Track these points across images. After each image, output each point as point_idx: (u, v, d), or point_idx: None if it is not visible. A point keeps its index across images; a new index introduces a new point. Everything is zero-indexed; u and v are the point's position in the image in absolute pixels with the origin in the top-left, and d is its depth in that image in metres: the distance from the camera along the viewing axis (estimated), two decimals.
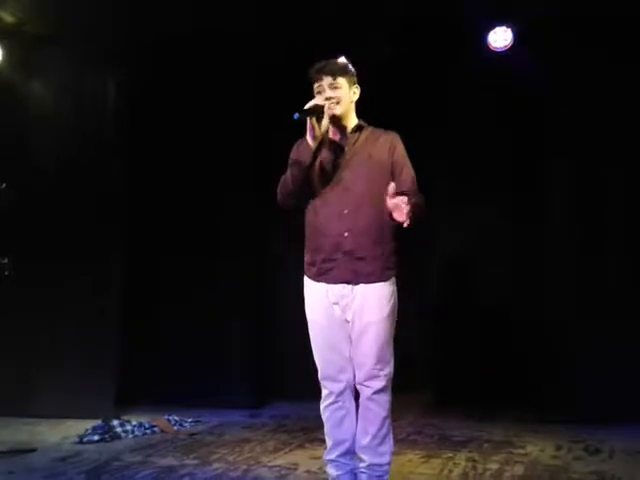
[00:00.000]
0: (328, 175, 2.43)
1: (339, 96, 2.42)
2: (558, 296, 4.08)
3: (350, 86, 2.47)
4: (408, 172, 2.47)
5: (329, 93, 2.42)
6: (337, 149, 2.46)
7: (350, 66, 2.50)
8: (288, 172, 2.44)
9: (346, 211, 2.39)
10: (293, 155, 2.47)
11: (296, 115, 2.32)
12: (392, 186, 2.22)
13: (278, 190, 2.47)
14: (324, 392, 2.48)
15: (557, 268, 4.10)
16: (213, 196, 4.58)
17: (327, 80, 2.42)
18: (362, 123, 2.51)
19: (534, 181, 4.29)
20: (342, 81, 2.44)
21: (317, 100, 2.39)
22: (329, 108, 2.39)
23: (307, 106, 2.36)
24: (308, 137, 2.38)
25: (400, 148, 2.48)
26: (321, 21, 4.04)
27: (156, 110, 4.56)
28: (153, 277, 4.66)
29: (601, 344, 3.88)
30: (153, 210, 4.68)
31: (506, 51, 4.17)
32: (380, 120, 2.54)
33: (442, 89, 4.49)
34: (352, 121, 2.50)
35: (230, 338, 4.52)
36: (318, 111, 2.36)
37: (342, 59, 2.53)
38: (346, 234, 2.38)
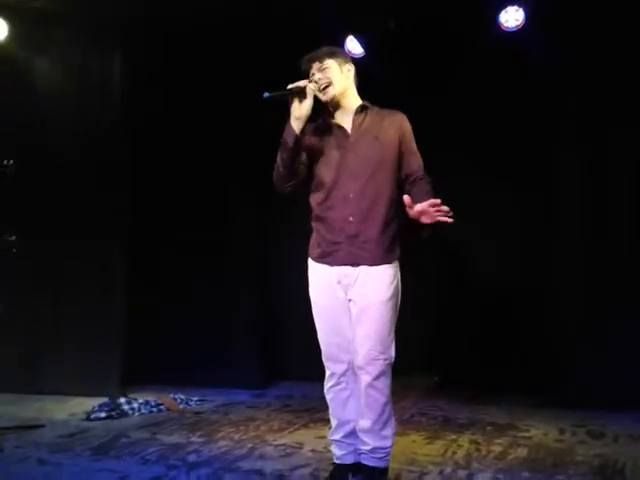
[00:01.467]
0: (332, 159, 2.41)
1: (329, 76, 2.41)
2: (562, 280, 4.06)
3: (341, 66, 2.45)
4: (416, 160, 2.46)
5: (318, 75, 2.41)
6: (340, 132, 2.44)
7: (338, 48, 2.50)
8: (278, 156, 2.42)
9: (351, 195, 2.38)
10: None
11: (266, 94, 2.32)
12: (407, 198, 2.24)
13: (273, 177, 2.46)
14: (327, 373, 2.49)
15: (562, 255, 4.07)
16: (217, 180, 4.56)
17: (316, 65, 2.43)
18: (366, 103, 2.49)
19: (544, 170, 4.24)
20: (330, 62, 2.43)
21: (297, 83, 2.37)
22: (322, 93, 2.39)
23: (289, 87, 2.35)
24: (291, 118, 2.36)
25: (408, 131, 2.46)
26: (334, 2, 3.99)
27: (162, 93, 4.52)
28: (158, 257, 4.67)
29: (604, 329, 3.87)
30: (156, 192, 4.66)
31: (518, 31, 4.11)
32: (387, 102, 2.52)
33: (452, 71, 4.42)
34: (354, 101, 2.48)
35: (236, 318, 4.54)
36: (298, 92, 2.34)
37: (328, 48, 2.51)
38: (351, 218, 2.38)
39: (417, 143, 2.49)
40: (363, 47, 4.32)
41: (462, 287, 4.66)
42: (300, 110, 2.35)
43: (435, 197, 2.29)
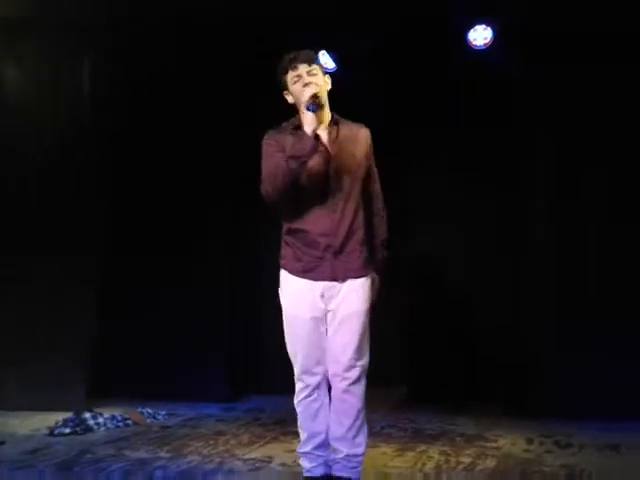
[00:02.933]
0: (311, 172, 2.37)
1: (320, 83, 2.37)
2: (531, 293, 4.14)
3: (323, 74, 2.43)
4: (374, 171, 2.52)
5: (308, 79, 2.36)
6: (318, 145, 2.39)
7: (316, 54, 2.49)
8: (284, 166, 2.29)
9: (335, 209, 2.38)
10: (291, 151, 2.31)
11: (311, 107, 2.25)
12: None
13: (267, 186, 2.33)
14: (299, 386, 2.47)
15: (533, 267, 4.15)
16: (191, 189, 4.53)
17: (303, 67, 2.36)
18: (337, 117, 2.48)
19: (516, 181, 4.33)
20: (317, 68, 2.40)
21: (312, 88, 2.30)
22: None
23: (308, 97, 2.28)
24: (308, 129, 2.28)
25: (371, 147, 2.50)
26: (304, 19, 4.02)
27: (133, 100, 4.49)
28: (128, 270, 4.60)
29: (571, 339, 3.94)
30: (129, 202, 4.62)
31: (486, 49, 4.21)
32: (360, 118, 2.54)
33: (422, 86, 4.49)
34: (328, 113, 2.46)
35: (205, 331, 4.49)
36: (319, 100, 2.30)
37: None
38: (332, 232, 2.37)
39: (388, 156, 2.53)
40: (335, 62, 4.37)
41: (430, 299, 4.71)
42: (319, 119, 2.31)
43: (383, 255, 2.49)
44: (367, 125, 2.52)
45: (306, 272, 2.41)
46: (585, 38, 3.90)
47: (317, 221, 2.38)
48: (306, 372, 2.45)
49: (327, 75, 2.46)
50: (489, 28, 4.19)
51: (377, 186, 2.55)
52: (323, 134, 2.35)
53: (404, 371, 4.77)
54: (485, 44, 4.21)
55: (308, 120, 2.29)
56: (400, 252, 4.60)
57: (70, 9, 4.00)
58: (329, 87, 2.45)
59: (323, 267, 2.38)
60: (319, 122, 2.32)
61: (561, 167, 4.07)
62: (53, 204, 4.19)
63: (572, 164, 4.04)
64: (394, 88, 4.45)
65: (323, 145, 2.37)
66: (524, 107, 4.18)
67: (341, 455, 2.41)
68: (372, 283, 2.47)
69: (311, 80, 2.35)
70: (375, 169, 2.54)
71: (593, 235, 4.01)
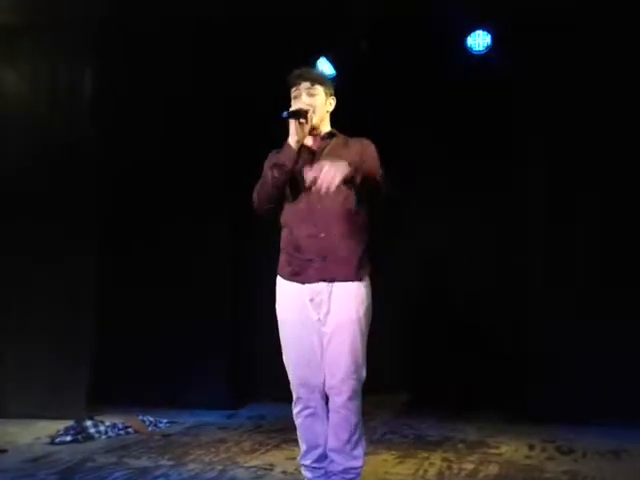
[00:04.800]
0: (300, 179, 2.41)
1: (314, 104, 2.43)
2: (533, 298, 4.12)
3: (327, 96, 2.48)
4: (373, 161, 2.43)
5: (305, 99, 2.43)
6: (307, 153, 2.46)
7: (328, 76, 2.51)
8: (268, 175, 2.41)
9: (320, 213, 2.39)
10: (273, 159, 2.44)
11: (284, 114, 2.35)
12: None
13: (254, 195, 2.45)
14: (295, 397, 2.46)
15: (529, 272, 4.14)
16: (189, 194, 4.53)
17: (305, 85, 2.44)
18: (334, 131, 2.52)
19: (513, 181, 4.34)
20: (319, 89, 2.45)
21: (301, 104, 2.39)
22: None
23: (292, 108, 2.38)
24: (291, 140, 2.38)
25: (371, 150, 2.47)
26: (299, 19, 4.04)
27: (134, 103, 4.49)
28: (127, 277, 4.59)
29: (573, 345, 3.93)
30: (126, 207, 4.60)
31: (485, 54, 4.24)
32: (357, 122, 2.55)
33: (420, 90, 4.51)
34: (325, 128, 2.51)
35: (207, 339, 4.48)
36: (302, 114, 2.37)
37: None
38: (322, 235, 2.38)
39: (389, 156, 2.51)
40: (334, 68, 4.39)
41: (430, 304, 4.71)
42: (303, 133, 2.38)
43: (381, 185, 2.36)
44: (366, 126, 2.53)
45: (294, 275, 2.43)
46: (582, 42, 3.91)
47: (303, 224, 2.41)
48: (298, 382, 2.43)
49: (332, 98, 2.51)
50: (487, 33, 4.22)
51: (371, 169, 2.40)
52: (307, 129, 2.39)
53: (405, 377, 4.76)
54: (484, 49, 4.24)
55: (291, 130, 2.38)
56: (400, 255, 4.65)
57: (70, 10, 4.02)
58: (331, 108, 2.51)
59: (310, 270, 2.39)
60: (304, 134, 2.39)
61: (558, 169, 4.07)
62: (53, 205, 4.18)
63: (569, 166, 4.04)
64: (393, 91, 4.45)
65: (305, 146, 2.43)
66: (522, 110, 4.19)
67: (339, 468, 2.40)
68: (367, 290, 2.42)
69: (308, 102, 2.42)
70: (374, 162, 2.42)
71: (596, 235, 3.98)
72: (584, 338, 3.91)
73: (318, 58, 4.34)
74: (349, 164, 2.30)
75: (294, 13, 4.00)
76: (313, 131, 2.46)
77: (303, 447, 2.48)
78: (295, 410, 2.47)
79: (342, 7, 4.03)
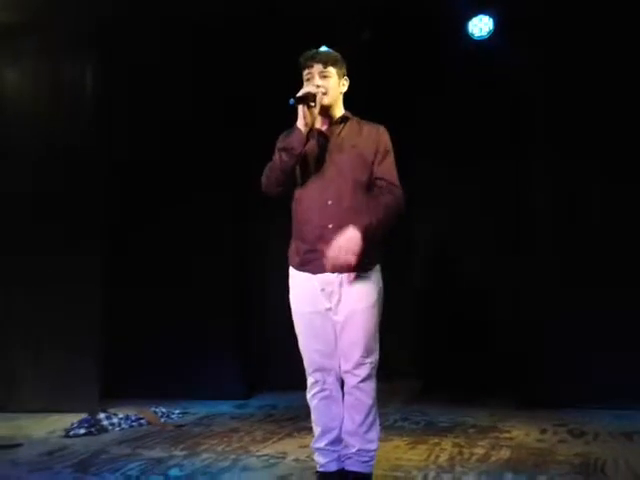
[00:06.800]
0: (312, 166, 2.42)
1: (327, 85, 2.42)
2: (542, 285, 4.11)
3: (340, 77, 2.47)
4: (388, 164, 2.44)
5: (318, 81, 2.41)
6: (322, 139, 2.45)
7: (341, 57, 2.50)
8: (277, 158, 2.41)
9: (330, 202, 2.39)
10: (282, 142, 2.43)
11: (291, 101, 2.33)
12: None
13: (263, 177, 2.45)
14: (310, 381, 2.48)
15: (537, 258, 4.13)
16: (196, 188, 4.53)
17: (318, 68, 2.42)
18: (348, 114, 2.51)
19: (516, 173, 4.32)
20: (332, 71, 2.44)
21: (309, 88, 2.37)
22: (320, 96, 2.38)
23: (300, 93, 2.35)
24: (300, 124, 2.37)
25: (385, 140, 2.46)
26: (299, 19, 4.03)
27: (137, 102, 4.49)
28: (136, 268, 4.61)
29: (585, 328, 3.92)
30: (133, 203, 4.62)
31: (486, 39, 4.20)
32: (360, 108, 2.54)
33: (422, 77, 4.48)
34: (338, 111, 2.50)
35: (217, 328, 4.51)
36: (310, 99, 2.35)
37: (324, 48, 2.52)
38: (330, 225, 2.37)
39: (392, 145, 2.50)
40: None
41: (443, 293, 4.71)
42: (312, 116, 2.37)
43: (394, 209, 2.36)
44: (366, 114, 2.52)
45: (304, 265, 2.44)
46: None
47: (312, 213, 2.41)
48: (315, 368, 2.46)
49: (344, 79, 2.49)
50: (490, 18, 4.19)
51: (385, 175, 2.42)
52: (316, 112, 2.37)
53: (417, 364, 4.77)
54: (486, 34, 4.21)
55: (300, 114, 2.37)
56: (407, 242, 4.64)
57: (71, 9, 4.01)
58: (344, 89, 2.50)
59: (318, 260, 2.38)
60: (313, 118, 2.37)
61: (562, 160, 4.04)
62: (55, 204, 4.19)
63: (574, 155, 4.01)
64: (394, 80, 4.43)
65: (317, 131, 2.43)
66: (525, 97, 4.16)
67: (353, 450, 2.42)
68: (378, 277, 2.43)
69: (321, 83, 2.41)
70: (389, 164, 2.44)
71: (601, 232, 3.97)
72: (598, 322, 3.89)
73: (321, 47, 4.32)
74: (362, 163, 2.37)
75: (294, 13, 3.98)
76: (326, 112, 2.45)
77: (317, 430, 2.49)
78: (310, 393, 2.48)
79: (343, 5, 4.00)
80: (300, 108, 2.35)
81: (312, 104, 2.36)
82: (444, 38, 4.28)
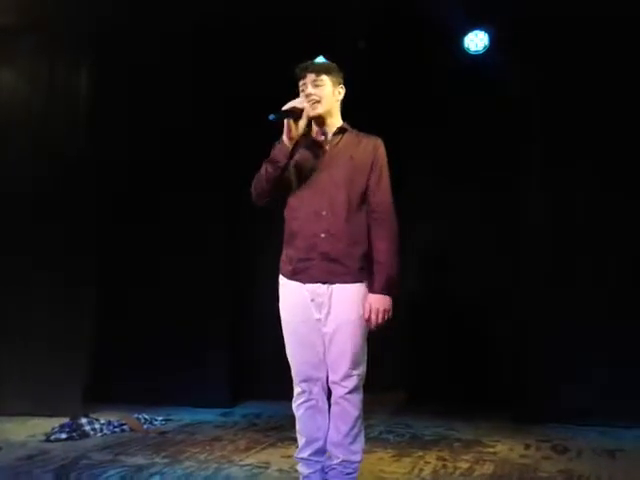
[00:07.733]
0: (307, 175, 2.42)
1: (320, 94, 2.42)
2: (529, 298, 4.12)
3: (334, 86, 2.47)
4: (384, 186, 2.44)
5: (310, 90, 2.42)
6: (318, 149, 2.46)
7: (336, 66, 2.50)
8: (263, 169, 2.43)
9: (324, 212, 2.39)
10: (271, 154, 2.45)
11: (271, 116, 2.33)
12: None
13: (252, 187, 2.46)
14: (297, 390, 2.47)
15: (531, 269, 4.14)
16: (187, 195, 4.50)
17: (310, 77, 2.43)
18: (346, 126, 2.51)
19: (511, 180, 4.34)
20: (326, 79, 2.44)
21: (295, 102, 2.38)
22: (310, 108, 2.39)
23: (285, 107, 2.36)
24: (284, 137, 2.38)
25: (382, 154, 2.47)
26: (299, 19, 4.04)
27: (130, 106, 4.48)
28: (123, 274, 4.58)
29: (570, 344, 3.93)
30: (124, 211, 4.58)
31: (482, 54, 4.25)
32: (356, 120, 2.55)
33: (418, 90, 4.51)
34: (336, 122, 2.50)
35: (203, 336, 4.47)
36: (296, 113, 2.36)
37: (321, 59, 2.53)
38: (323, 235, 2.38)
39: (388, 156, 2.51)
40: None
41: (428, 303, 4.71)
42: (296, 130, 2.37)
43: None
44: (364, 126, 2.52)
45: (295, 274, 2.43)
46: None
47: (305, 222, 2.41)
48: (302, 378, 2.45)
49: (340, 87, 2.49)
50: (485, 33, 4.23)
51: (383, 200, 2.43)
52: (301, 126, 2.38)
53: (402, 376, 4.76)
54: (481, 49, 4.25)
55: (285, 128, 2.37)
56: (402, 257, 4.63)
57: (68, 9, 4.01)
58: (340, 97, 2.49)
59: (310, 269, 2.39)
60: (297, 132, 2.38)
61: (560, 169, 4.07)
62: (50, 205, 4.16)
63: (572, 165, 4.04)
64: (390, 91, 4.46)
65: (313, 141, 2.44)
66: (520, 109, 4.19)
67: (337, 461, 2.41)
68: (365, 295, 2.42)
69: (313, 92, 2.41)
70: (384, 182, 2.44)
71: (597, 235, 3.98)
72: (581, 339, 3.90)
73: (317, 57, 4.34)
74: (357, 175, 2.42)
75: (294, 13, 4.00)
76: (322, 122, 2.45)
77: (302, 440, 2.47)
78: (296, 403, 2.47)
79: (341, 7, 4.02)
80: (285, 121, 2.36)
81: (298, 117, 2.36)
82: (440, 53, 4.31)
